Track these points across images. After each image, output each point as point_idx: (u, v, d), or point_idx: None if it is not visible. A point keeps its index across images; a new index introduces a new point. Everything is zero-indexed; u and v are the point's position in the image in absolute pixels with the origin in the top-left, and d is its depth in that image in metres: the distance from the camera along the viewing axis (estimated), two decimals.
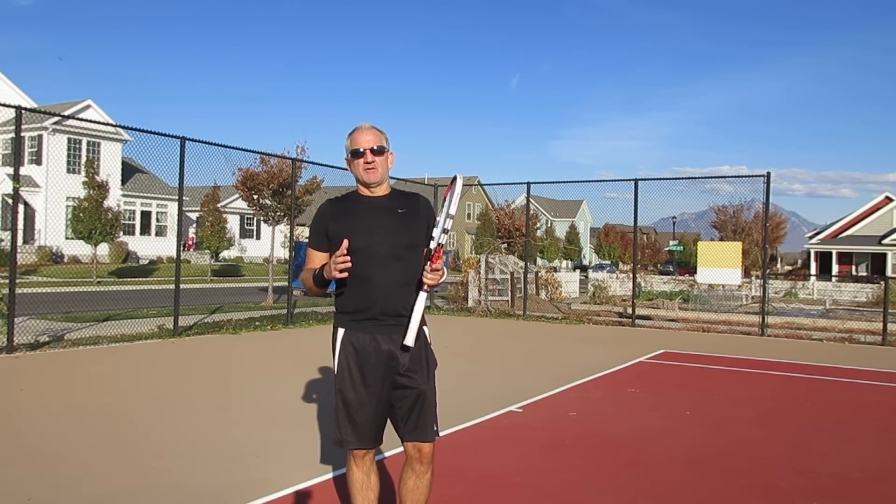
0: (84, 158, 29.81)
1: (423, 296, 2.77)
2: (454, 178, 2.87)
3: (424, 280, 2.73)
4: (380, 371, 2.78)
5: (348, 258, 2.62)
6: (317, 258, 2.89)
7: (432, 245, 2.75)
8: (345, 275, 2.65)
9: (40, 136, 30.31)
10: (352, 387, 2.79)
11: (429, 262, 2.72)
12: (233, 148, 12.39)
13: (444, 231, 2.75)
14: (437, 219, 2.83)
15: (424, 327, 2.92)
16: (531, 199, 17.87)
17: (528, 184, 15.68)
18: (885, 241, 43.35)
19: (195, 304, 14.93)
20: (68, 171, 30.60)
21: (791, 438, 5.38)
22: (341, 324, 2.86)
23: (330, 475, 4.17)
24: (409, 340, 2.74)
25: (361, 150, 2.83)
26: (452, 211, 2.75)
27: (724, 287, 20.59)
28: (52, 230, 27.89)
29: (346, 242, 2.63)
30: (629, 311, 14.83)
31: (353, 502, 2.87)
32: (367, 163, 2.83)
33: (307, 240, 3.00)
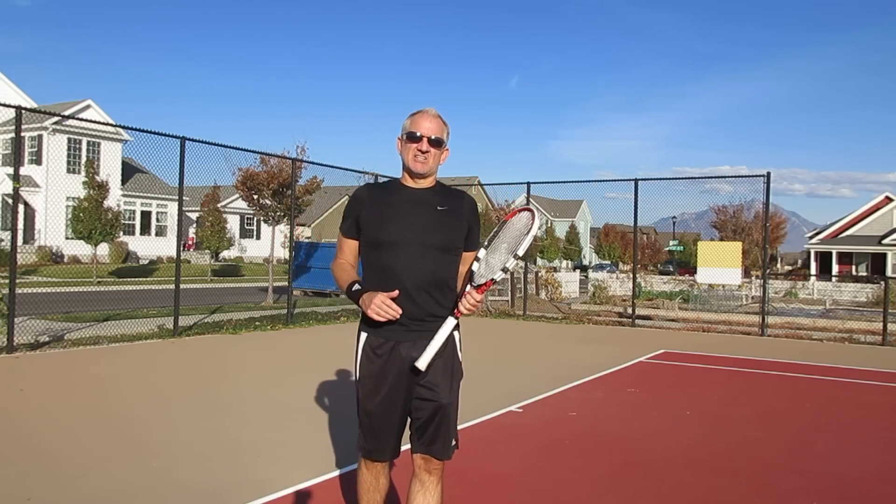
0: (84, 158, 29.85)
1: (451, 321, 2.55)
2: (525, 210, 2.64)
3: (461, 306, 2.53)
4: (401, 380, 2.61)
5: (395, 312, 2.47)
6: (346, 247, 2.71)
7: (481, 277, 2.55)
8: (381, 318, 2.47)
9: (40, 136, 30.31)
10: (372, 397, 2.64)
11: (473, 290, 2.51)
12: (233, 148, 12.41)
13: (504, 270, 2.52)
14: (501, 255, 2.59)
15: (455, 333, 2.70)
16: (531, 199, 17.86)
17: (528, 184, 15.68)
18: (885, 241, 43.36)
19: (195, 304, 14.92)
20: (68, 171, 30.59)
21: (791, 438, 5.38)
22: (364, 328, 2.68)
23: (330, 475, 4.16)
24: (422, 363, 2.50)
25: (419, 134, 2.61)
26: (521, 252, 2.50)
27: (724, 287, 20.60)
28: (52, 230, 27.89)
29: (393, 294, 2.48)
30: (629, 311, 14.83)
31: (359, 502, 2.81)
32: (422, 151, 2.61)
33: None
